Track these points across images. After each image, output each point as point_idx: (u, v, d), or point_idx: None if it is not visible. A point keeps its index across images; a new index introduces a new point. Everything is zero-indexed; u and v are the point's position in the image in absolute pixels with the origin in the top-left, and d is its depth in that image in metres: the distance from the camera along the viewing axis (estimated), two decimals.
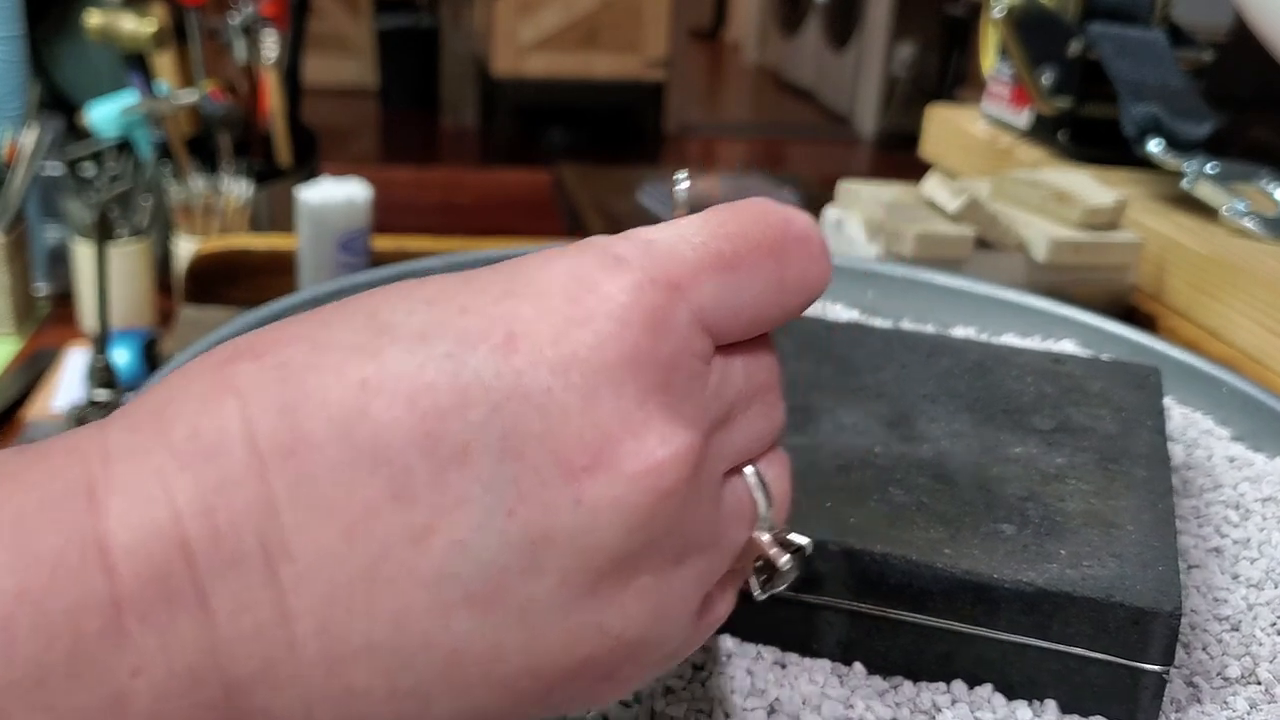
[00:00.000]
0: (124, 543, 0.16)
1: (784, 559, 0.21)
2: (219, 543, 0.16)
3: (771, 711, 0.26)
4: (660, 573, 0.19)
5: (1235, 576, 0.32)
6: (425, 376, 0.17)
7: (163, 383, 0.18)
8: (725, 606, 0.22)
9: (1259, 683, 0.28)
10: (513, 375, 0.17)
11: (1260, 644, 0.29)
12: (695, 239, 0.19)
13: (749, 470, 0.21)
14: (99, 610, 0.16)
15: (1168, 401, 0.41)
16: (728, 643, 0.28)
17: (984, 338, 0.46)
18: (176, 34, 0.98)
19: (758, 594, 0.22)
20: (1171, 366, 0.41)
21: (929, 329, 0.47)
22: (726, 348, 0.20)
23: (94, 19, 0.94)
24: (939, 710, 0.26)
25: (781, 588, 0.22)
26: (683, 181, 0.22)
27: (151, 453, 0.17)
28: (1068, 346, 0.45)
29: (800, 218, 0.21)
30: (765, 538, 0.21)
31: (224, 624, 0.16)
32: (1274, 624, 0.30)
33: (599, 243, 0.19)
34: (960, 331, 0.47)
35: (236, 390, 0.17)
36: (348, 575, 0.17)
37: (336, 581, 0.17)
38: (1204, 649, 0.29)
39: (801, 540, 0.21)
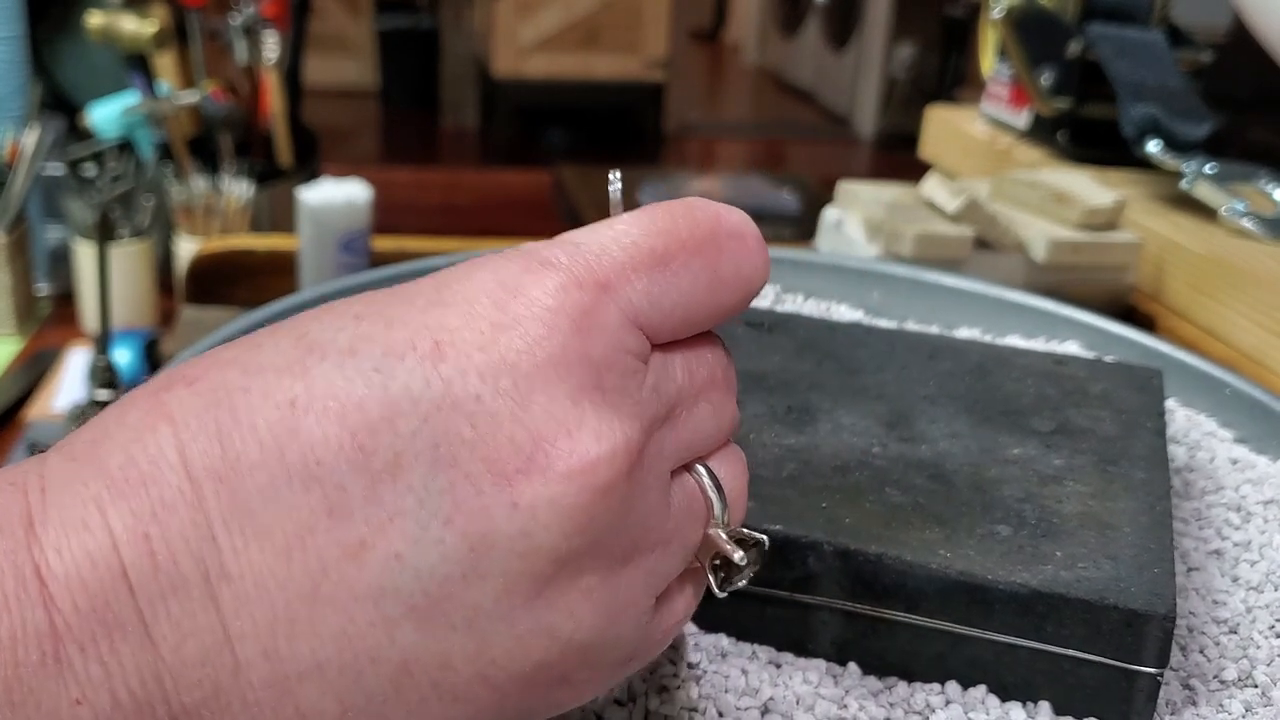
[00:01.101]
0: (61, 572, 0.16)
1: (739, 554, 0.21)
2: (157, 569, 0.16)
3: (765, 711, 0.26)
4: (608, 573, 0.19)
5: (1235, 579, 0.32)
6: (354, 391, 0.17)
7: (101, 414, 0.18)
8: (685, 605, 0.22)
9: (1255, 685, 0.28)
10: (441, 384, 0.17)
11: (1258, 647, 0.29)
12: (624, 239, 0.19)
13: (700, 468, 0.21)
14: (37, 641, 0.16)
15: (1171, 403, 0.41)
16: (723, 642, 0.28)
17: (988, 339, 0.46)
18: (177, 34, 0.98)
19: (718, 592, 0.22)
20: (1175, 368, 0.41)
21: (933, 330, 0.47)
22: (666, 346, 0.20)
23: (95, 19, 0.94)
24: (933, 711, 0.26)
25: (741, 584, 0.22)
26: (615, 181, 0.21)
27: (88, 482, 0.17)
28: (1072, 348, 0.45)
29: (733, 213, 0.21)
30: (721, 534, 0.21)
31: (168, 651, 0.16)
32: (1272, 627, 0.30)
33: (527, 248, 0.19)
34: (964, 333, 0.47)
35: (170, 417, 0.17)
36: (288, 595, 0.17)
37: (278, 602, 0.17)
38: (1201, 651, 0.29)
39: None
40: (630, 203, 0.21)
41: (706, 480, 0.21)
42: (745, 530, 0.22)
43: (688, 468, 0.21)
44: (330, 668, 0.17)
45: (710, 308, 0.20)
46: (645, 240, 0.19)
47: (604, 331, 0.18)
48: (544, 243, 0.20)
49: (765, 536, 0.22)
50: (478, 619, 0.18)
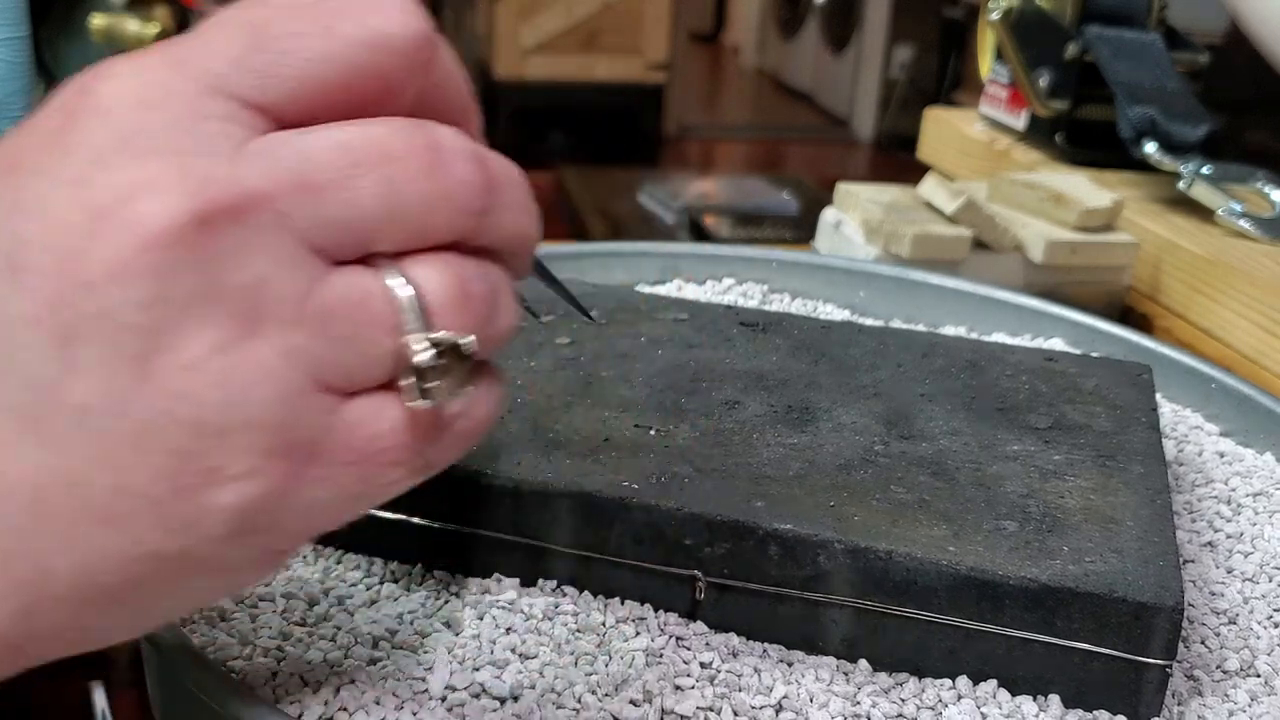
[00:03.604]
0: None
1: (424, 355, 0.19)
2: None
3: (779, 709, 0.26)
4: (219, 344, 0.18)
5: (1230, 570, 0.32)
6: None
7: None
8: (390, 416, 0.19)
9: (1258, 675, 0.28)
10: (12, 193, 0.18)
11: (1258, 637, 0.29)
12: (218, 23, 0.19)
13: (387, 265, 0.19)
14: None
15: (1156, 398, 0.42)
16: (733, 640, 0.28)
17: (973, 336, 0.47)
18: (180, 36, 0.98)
19: (415, 400, 0.19)
20: (1158, 363, 0.42)
21: (920, 328, 0.47)
22: (312, 124, 0.19)
23: (98, 21, 0.94)
24: (944, 706, 0.27)
25: (444, 397, 0.19)
26: None
27: None
28: (1057, 344, 0.46)
29: None
30: (410, 337, 0.19)
31: None
32: (1270, 617, 0.30)
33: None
34: (950, 330, 0.48)
35: None
36: None
37: None
38: (1202, 642, 0.29)
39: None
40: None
41: (389, 277, 0.19)
42: (445, 333, 0.19)
43: (368, 264, 0.19)
44: None
45: (321, 64, 0.19)
46: (237, 24, 0.19)
47: (176, 96, 0.18)
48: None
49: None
50: (90, 418, 0.18)
